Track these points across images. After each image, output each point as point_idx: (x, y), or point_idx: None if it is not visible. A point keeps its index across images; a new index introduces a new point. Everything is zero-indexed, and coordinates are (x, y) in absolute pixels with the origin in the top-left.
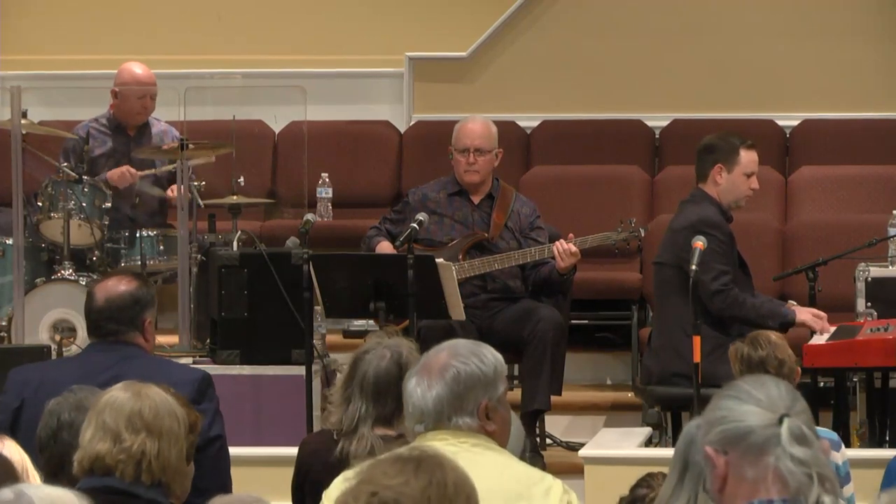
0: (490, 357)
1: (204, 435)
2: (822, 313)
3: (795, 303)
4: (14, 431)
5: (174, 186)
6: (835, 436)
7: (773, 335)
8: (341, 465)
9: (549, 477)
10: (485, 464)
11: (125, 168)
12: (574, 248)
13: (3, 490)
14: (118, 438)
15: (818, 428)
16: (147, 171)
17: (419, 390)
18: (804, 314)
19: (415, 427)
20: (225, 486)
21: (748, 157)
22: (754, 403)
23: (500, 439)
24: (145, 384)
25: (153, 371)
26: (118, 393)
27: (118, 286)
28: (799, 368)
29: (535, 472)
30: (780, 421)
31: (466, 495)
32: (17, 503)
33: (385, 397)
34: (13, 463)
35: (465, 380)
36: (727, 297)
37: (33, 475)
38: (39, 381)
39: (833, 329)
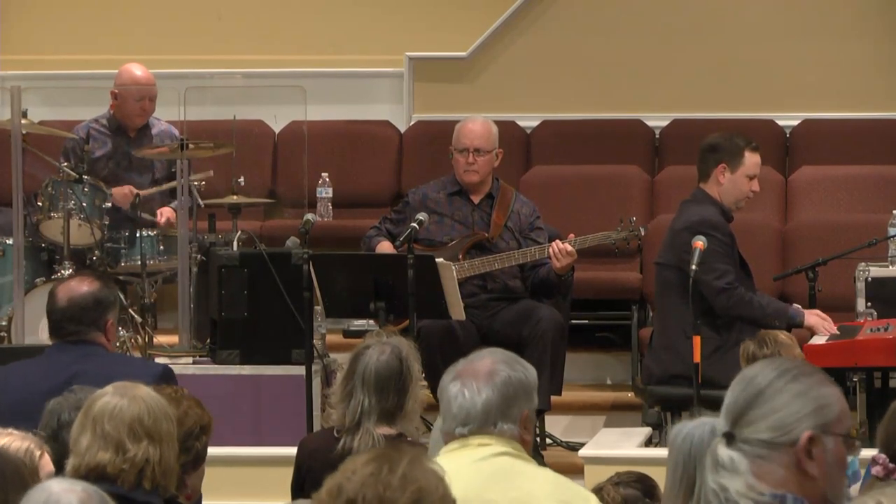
0: (531, 367)
1: None
2: (827, 317)
3: (800, 306)
4: None
5: (164, 210)
6: None
7: (782, 335)
8: (343, 462)
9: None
10: (537, 474)
11: (129, 188)
12: (570, 249)
13: (36, 492)
14: (121, 448)
15: None
16: (150, 190)
17: (466, 392)
18: (812, 317)
19: (457, 429)
20: None
21: (752, 160)
22: None
23: (529, 451)
24: (133, 385)
25: (114, 367)
26: (113, 399)
27: (80, 287)
28: None
29: (577, 486)
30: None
31: (414, 491)
32: None
33: (387, 391)
34: (25, 463)
35: (514, 385)
36: (732, 296)
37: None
38: (3, 380)
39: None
